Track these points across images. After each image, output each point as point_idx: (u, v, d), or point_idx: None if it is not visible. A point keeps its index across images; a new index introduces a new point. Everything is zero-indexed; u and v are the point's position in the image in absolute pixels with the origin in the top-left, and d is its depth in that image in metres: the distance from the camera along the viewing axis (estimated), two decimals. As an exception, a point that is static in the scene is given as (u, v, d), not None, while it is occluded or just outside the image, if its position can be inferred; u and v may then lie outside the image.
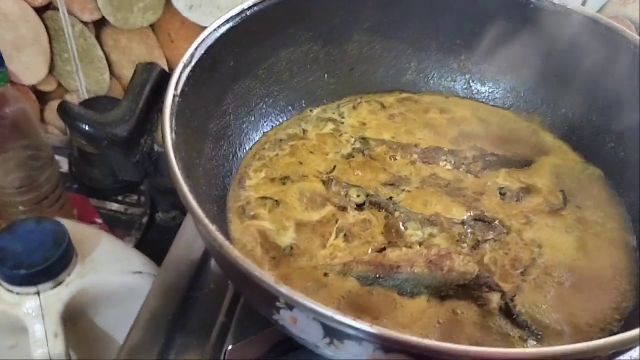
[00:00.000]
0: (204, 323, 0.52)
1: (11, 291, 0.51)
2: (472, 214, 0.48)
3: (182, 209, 0.79)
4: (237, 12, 0.48)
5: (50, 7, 0.77)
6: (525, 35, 0.54)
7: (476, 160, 0.53)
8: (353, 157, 0.53)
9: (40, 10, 0.78)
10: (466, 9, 0.55)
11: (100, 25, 0.77)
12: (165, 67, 0.62)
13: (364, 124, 0.56)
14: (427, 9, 0.56)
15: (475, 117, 0.57)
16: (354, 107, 0.57)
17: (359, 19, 0.56)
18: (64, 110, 0.42)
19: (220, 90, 0.50)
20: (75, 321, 0.54)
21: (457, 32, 0.57)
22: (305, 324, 0.34)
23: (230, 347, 0.47)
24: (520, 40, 0.55)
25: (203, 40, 0.46)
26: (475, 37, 0.57)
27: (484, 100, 0.59)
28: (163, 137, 0.39)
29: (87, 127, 0.42)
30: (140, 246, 0.76)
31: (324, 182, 0.50)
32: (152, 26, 0.76)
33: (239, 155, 0.52)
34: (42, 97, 0.87)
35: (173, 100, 0.41)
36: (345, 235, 0.46)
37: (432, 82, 0.60)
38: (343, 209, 0.48)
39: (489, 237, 0.47)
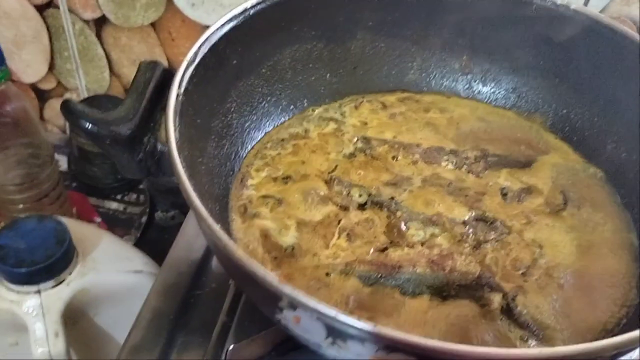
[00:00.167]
0: (205, 322, 0.51)
1: (12, 289, 0.51)
2: (473, 214, 0.48)
3: (182, 208, 0.80)
4: (240, 11, 0.48)
5: (51, 4, 0.77)
6: (527, 36, 0.55)
7: (478, 161, 0.53)
8: (355, 156, 0.53)
9: (41, 8, 0.78)
10: (469, 9, 0.55)
11: (100, 23, 0.77)
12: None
13: (366, 123, 0.56)
14: (430, 7, 0.56)
15: (476, 117, 0.57)
16: (355, 107, 0.57)
17: (363, 17, 0.56)
18: (67, 108, 0.41)
19: (223, 89, 0.49)
20: (75, 320, 0.54)
21: (460, 32, 0.57)
22: (308, 323, 0.34)
23: (231, 346, 0.47)
24: (522, 41, 0.55)
25: (207, 38, 0.45)
26: (477, 37, 0.57)
27: (485, 100, 0.59)
28: (167, 135, 0.39)
29: (90, 126, 0.41)
30: (139, 245, 0.75)
31: (326, 181, 0.50)
32: (152, 24, 0.76)
33: (241, 154, 0.52)
34: (41, 95, 0.87)
35: (177, 99, 0.41)
36: (347, 235, 0.46)
37: (433, 82, 0.60)
38: (345, 208, 0.48)
39: (491, 238, 0.47)
